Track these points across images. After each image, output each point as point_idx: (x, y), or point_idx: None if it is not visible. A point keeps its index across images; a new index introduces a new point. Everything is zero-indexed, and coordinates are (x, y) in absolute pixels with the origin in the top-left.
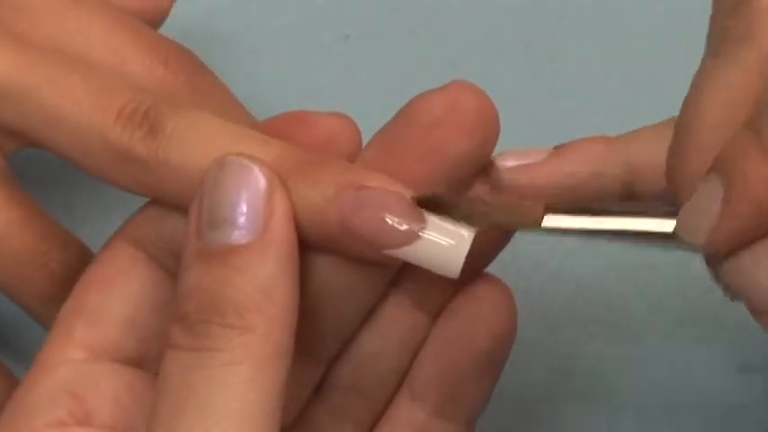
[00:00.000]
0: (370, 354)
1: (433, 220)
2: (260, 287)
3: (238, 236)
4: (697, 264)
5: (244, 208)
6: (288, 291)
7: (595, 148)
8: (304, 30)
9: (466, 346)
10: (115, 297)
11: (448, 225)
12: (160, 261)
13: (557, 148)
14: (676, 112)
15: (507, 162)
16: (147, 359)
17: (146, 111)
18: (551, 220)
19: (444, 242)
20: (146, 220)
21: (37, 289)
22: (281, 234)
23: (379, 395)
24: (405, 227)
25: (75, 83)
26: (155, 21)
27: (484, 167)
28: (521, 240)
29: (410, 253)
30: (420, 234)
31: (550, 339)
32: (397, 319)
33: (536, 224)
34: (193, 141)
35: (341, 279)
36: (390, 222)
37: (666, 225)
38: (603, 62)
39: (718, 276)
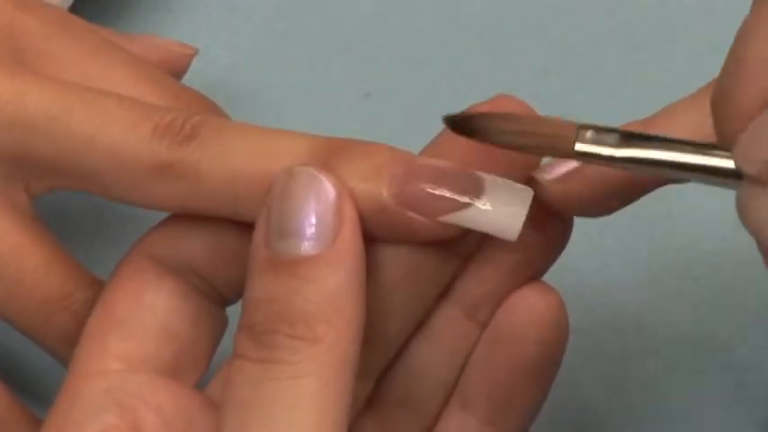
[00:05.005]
0: (421, 366)
1: (490, 180)
2: (329, 298)
3: (308, 247)
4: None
5: (313, 219)
6: (356, 302)
7: None
8: (325, 87)
9: (515, 352)
10: (147, 307)
11: (506, 187)
12: (182, 276)
13: None
14: None
15: (549, 175)
16: (183, 369)
17: (182, 122)
18: (585, 147)
19: (502, 207)
20: (162, 238)
21: (61, 330)
22: (350, 245)
23: (429, 408)
24: (461, 192)
25: (108, 104)
26: (176, 72)
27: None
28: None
29: (467, 218)
30: (473, 200)
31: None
32: (447, 330)
33: (569, 151)
34: (231, 143)
35: (392, 291)
36: (445, 189)
37: (717, 161)
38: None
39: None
